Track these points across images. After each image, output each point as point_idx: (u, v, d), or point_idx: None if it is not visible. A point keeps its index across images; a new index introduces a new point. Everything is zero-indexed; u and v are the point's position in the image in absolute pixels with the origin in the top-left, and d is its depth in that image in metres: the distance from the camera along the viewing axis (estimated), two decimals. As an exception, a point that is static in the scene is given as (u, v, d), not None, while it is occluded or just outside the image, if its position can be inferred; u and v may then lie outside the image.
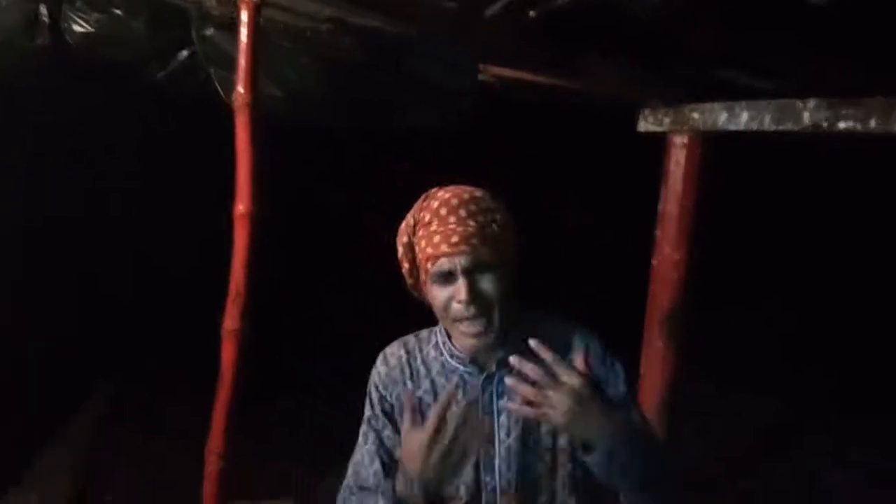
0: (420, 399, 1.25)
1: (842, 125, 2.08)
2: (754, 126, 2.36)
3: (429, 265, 1.16)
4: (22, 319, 4.14)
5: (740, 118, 2.42)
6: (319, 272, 6.02)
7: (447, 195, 1.19)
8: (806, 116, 2.19)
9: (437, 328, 1.32)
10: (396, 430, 1.24)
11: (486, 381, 1.23)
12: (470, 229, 1.14)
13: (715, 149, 2.71)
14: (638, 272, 2.96)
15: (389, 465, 1.23)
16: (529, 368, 1.07)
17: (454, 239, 1.13)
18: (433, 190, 1.23)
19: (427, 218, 1.18)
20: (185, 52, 2.19)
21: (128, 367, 4.39)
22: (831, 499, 3.77)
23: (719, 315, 5.45)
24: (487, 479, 1.20)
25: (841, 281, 6.82)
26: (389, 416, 1.27)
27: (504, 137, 5.84)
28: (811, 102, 2.17)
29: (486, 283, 1.15)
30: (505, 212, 1.21)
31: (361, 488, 1.24)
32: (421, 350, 1.30)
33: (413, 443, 1.10)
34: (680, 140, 2.72)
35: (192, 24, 2.14)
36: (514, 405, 1.10)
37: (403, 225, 1.23)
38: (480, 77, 2.46)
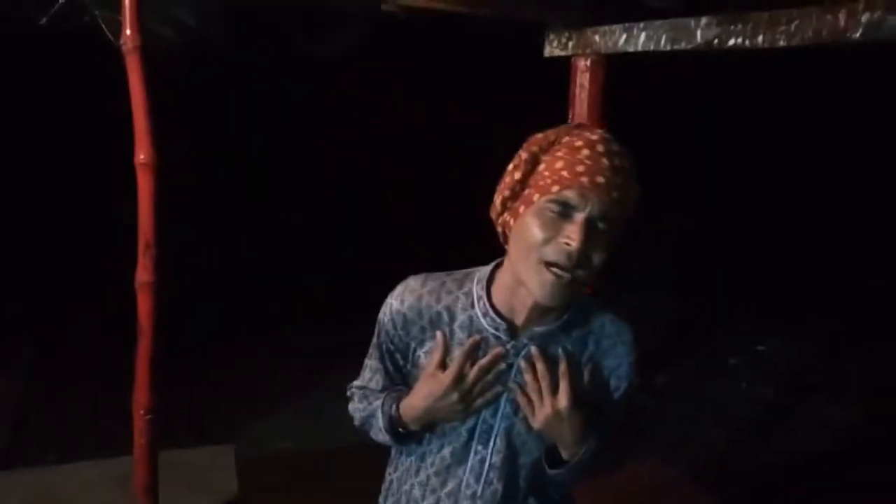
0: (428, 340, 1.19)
1: (731, 42, 2.17)
2: (651, 46, 2.42)
3: (554, 189, 1.01)
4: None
5: (638, 39, 2.47)
6: (238, 218, 5.89)
7: (610, 137, 1.07)
8: (699, 34, 2.26)
9: (477, 274, 1.19)
10: (398, 365, 1.23)
11: (513, 351, 1.14)
12: (618, 181, 1.02)
13: (621, 71, 2.76)
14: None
15: (390, 383, 1.25)
16: (539, 368, 1.11)
17: (600, 179, 1.00)
18: (588, 125, 1.14)
19: (578, 143, 1.04)
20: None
21: (45, 327, 4.26)
22: (742, 391, 4.12)
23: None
24: (479, 447, 1.17)
25: (741, 191, 7.23)
26: (392, 353, 1.22)
27: (411, 69, 5.77)
28: (703, 20, 2.23)
29: (599, 241, 1.03)
30: (639, 187, 1.09)
31: (365, 388, 1.28)
32: (449, 293, 1.18)
33: (432, 383, 1.12)
34: (583, 63, 2.77)
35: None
36: (513, 385, 1.13)
37: (541, 136, 1.09)
38: (384, 7, 2.42)
